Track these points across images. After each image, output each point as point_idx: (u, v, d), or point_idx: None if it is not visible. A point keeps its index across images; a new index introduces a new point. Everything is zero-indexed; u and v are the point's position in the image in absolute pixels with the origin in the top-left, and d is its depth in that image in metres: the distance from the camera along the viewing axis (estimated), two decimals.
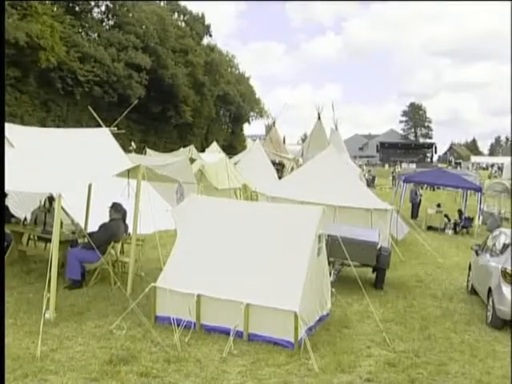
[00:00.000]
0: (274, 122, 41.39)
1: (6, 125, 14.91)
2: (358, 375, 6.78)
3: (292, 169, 31.73)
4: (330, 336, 8.13)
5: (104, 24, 51.85)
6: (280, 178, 27.93)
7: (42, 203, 11.83)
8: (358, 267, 10.96)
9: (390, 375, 6.84)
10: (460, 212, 23.17)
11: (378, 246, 11.42)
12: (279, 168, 33.76)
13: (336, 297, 9.45)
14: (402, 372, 6.97)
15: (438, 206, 23.76)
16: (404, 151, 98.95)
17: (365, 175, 38.92)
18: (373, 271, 11.75)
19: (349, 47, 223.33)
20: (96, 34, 49.48)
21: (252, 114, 73.85)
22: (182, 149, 30.85)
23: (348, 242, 9.93)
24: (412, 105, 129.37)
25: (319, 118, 29.32)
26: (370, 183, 40.66)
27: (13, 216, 11.82)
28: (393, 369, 7.04)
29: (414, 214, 25.32)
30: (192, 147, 28.40)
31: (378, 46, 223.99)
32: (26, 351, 6.79)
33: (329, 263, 9.53)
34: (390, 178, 49.50)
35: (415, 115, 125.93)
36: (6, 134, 13.94)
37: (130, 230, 10.24)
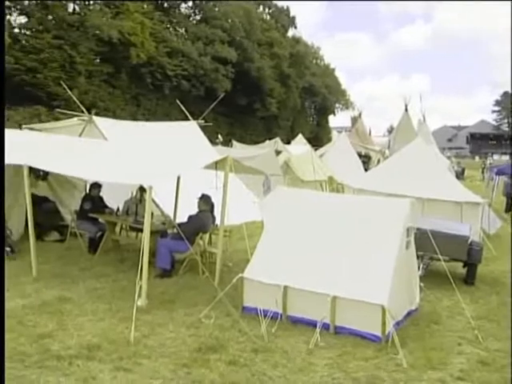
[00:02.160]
0: (360, 114, 40.92)
1: (101, 118, 15.60)
2: (448, 373, 6.58)
3: (378, 161, 31.29)
4: (419, 331, 7.95)
5: (191, 19, 52.89)
6: (366, 170, 27.56)
7: (134, 194, 12.25)
8: (448, 262, 10.65)
9: (483, 374, 6.59)
10: None
11: (469, 240, 11.05)
12: (365, 160, 33.33)
13: (425, 291, 9.22)
14: (496, 372, 6.70)
15: None
16: (496, 142, 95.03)
17: (453, 167, 37.72)
18: (463, 266, 11.38)
19: (438, 36, 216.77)
20: (183, 29, 50.58)
21: (337, 105, 73.31)
22: (267, 141, 31.08)
23: (437, 235, 9.66)
24: (506, 94, 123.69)
25: (406, 109, 28.63)
26: (460, 175, 39.38)
27: (106, 206, 12.29)
28: (486, 368, 6.78)
29: (509, 207, 24.30)
30: (278, 139, 28.54)
31: (468, 34, 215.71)
32: (120, 336, 7.06)
33: (417, 257, 9.31)
34: (480, 170, 47.71)
35: (510, 104, 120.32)
36: (100, 127, 14.59)
37: (218, 221, 10.41)
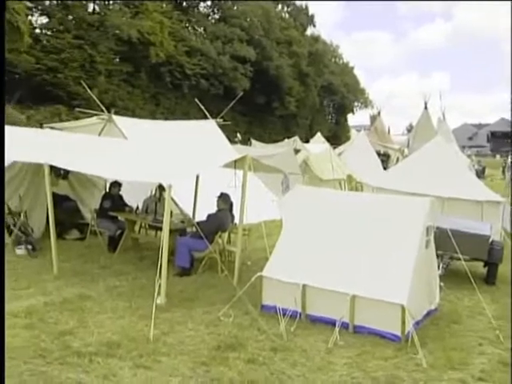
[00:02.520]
0: (379, 112, 40.75)
1: (120, 117, 15.70)
2: (469, 373, 6.52)
3: (397, 159, 31.10)
4: (439, 331, 7.91)
5: (210, 18, 52.95)
6: (385, 168, 27.42)
7: (153, 193, 12.31)
8: (468, 261, 10.55)
9: (505, 375, 6.52)
10: None
11: (490, 240, 10.95)
12: (384, 159, 33.19)
13: (445, 291, 9.16)
14: None
15: None
16: None
17: (474, 166, 37.34)
18: (484, 266, 11.28)
19: (458, 34, 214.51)
20: (202, 28, 50.68)
21: (356, 104, 72.89)
22: (286, 140, 31.05)
23: (458, 234, 9.59)
24: None
25: (426, 107, 28.41)
26: (480, 174, 38.95)
27: (126, 205, 12.38)
28: (507, 368, 6.71)
29: None
30: (297, 138, 28.53)
31: (488, 32, 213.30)
32: (140, 333, 7.11)
33: (437, 256, 9.25)
34: (501, 168, 47.15)
35: None
36: (120, 126, 14.68)
37: (237, 219, 10.42)
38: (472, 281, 8.75)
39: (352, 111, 72.60)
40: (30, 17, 34.29)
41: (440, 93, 30.37)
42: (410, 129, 70.28)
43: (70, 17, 38.10)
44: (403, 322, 7.19)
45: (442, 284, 8.99)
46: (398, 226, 8.03)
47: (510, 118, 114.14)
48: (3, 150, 8.99)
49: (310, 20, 64.28)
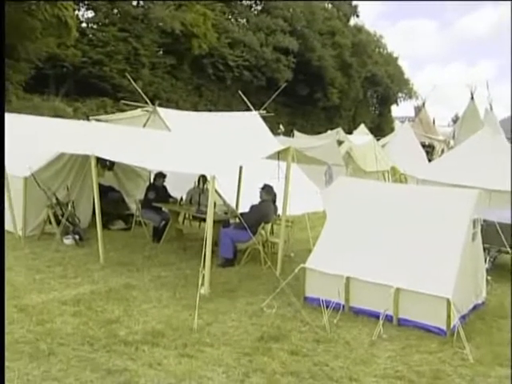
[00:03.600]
0: (423, 103, 39.96)
1: (164, 109, 15.88)
2: None
3: (442, 151, 30.57)
4: (486, 326, 7.75)
5: (252, 9, 52.88)
6: (430, 160, 27.00)
7: (197, 184, 12.41)
8: None
9: None
10: None
11: None
12: (429, 150, 32.62)
13: (492, 285, 8.97)
14: None
15: None
16: None
17: None
18: None
19: (505, 22, 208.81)
20: (245, 20, 50.65)
21: (400, 95, 71.72)
22: (329, 131, 30.85)
23: (505, 227, 9.39)
24: None
25: (472, 97, 27.86)
26: None
27: (170, 196, 12.51)
28: None
29: None
30: (340, 129, 28.30)
31: None
32: (184, 323, 7.19)
33: (484, 250, 9.07)
34: None
35: None
36: (164, 118, 14.85)
37: (280, 211, 10.42)
38: None
39: (396, 102, 71.55)
40: (76, 11, 34.91)
41: (487, 83, 29.73)
42: (455, 120, 68.76)
43: (115, 10, 38.66)
44: (449, 316, 7.08)
45: (489, 278, 8.82)
46: (443, 218, 7.90)
47: None
48: (3, 150, 9.09)
49: (354, 10, 63.54)
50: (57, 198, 11.37)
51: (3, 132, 9.30)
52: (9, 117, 14.84)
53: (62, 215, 11.21)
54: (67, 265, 9.69)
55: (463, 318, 7.51)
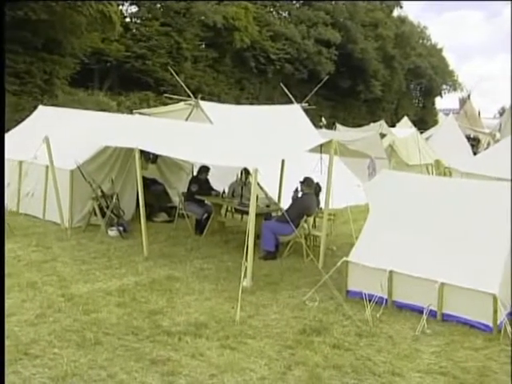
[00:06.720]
0: (468, 95, 39.20)
1: (206, 103, 15.97)
2: None
3: (488, 144, 29.93)
4: None
5: (294, 2, 52.60)
6: (475, 153, 26.46)
7: (239, 177, 12.44)
8: None
9: None
10: None
11: None
12: (474, 143, 32.00)
13: None
14: None
15: None
16: None
17: None
18: None
19: None
20: (286, 13, 50.46)
21: (444, 87, 70.41)
22: (372, 124, 30.57)
23: None
24: None
25: None
26: None
27: (212, 189, 12.57)
28: None
29: None
30: (382, 122, 28.01)
31: None
32: (226, 315, 7.24)
33: None
34: None
35: None
36: (206, 111, 14.92)
37: (322, 204, 10.37)
38: None
39: (440, 94, 70.29)
40: (120, 6, 35.37)
41: None
42: (502, 112, 67.21)
43: (158, 5, 39.01)
44: (495, 312, 6.94)
45: None
46: (489, 212, 7.74)
47: None
48: (3, 150, 9.15)
49: (397, 1, 62.62)
50: (102, 191, 11.57)
51: (3, 132, 9.33)
52: (55, 111, 15.25)
53: (107, 207, 11.39)
54: (112, 256, 9.85)
55: (510, 314, 7.34)
